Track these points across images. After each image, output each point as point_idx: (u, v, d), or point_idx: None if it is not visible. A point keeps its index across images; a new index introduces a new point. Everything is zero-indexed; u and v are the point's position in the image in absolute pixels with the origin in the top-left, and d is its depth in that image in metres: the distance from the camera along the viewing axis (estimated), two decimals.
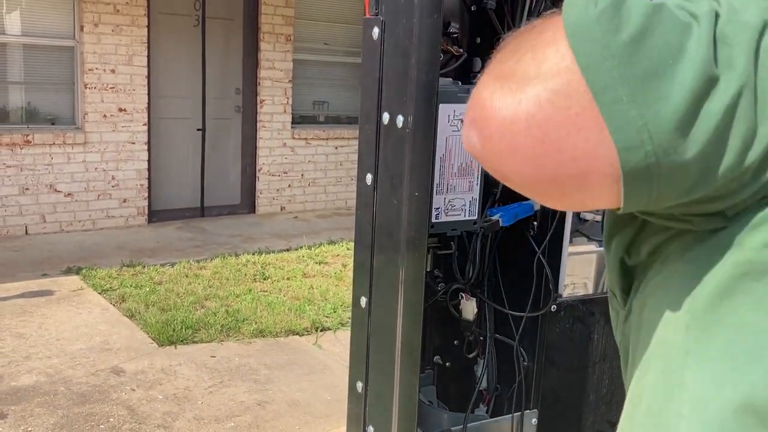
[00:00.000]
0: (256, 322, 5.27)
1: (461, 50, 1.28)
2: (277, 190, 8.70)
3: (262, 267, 6.62)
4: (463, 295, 1.29)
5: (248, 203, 8.62)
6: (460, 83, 1.25)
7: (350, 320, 1.30)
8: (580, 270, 1.53)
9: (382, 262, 1.22)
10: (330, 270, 6.69)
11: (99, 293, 5.69)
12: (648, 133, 0.54)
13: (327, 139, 8.99)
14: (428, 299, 1.34)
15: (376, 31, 1.17)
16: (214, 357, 4.71)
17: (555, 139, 0.56)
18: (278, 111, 8.52)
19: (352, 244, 6.64)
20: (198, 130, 8.13)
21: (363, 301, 1.27)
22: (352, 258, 1.33)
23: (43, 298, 5.52)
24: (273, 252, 7.10)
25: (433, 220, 1.19)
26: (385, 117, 1.16)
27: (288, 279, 6.34)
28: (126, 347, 4.73)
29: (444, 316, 1.37)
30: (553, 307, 1.31)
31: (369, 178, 1.22)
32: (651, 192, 0.57)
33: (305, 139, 8.80)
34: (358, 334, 1.30)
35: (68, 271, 6.17)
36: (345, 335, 5.24)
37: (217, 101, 8.21)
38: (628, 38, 0.54)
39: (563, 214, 1.31)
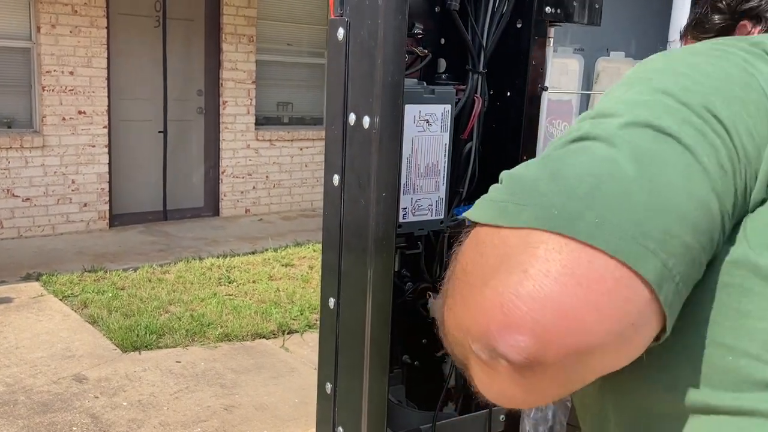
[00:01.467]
0: (221, 326, 5.22)
1: (426, 51, 1.29)
2: (242, 192, 8.64)
3: (227, 270, 6.57)
4: (431, 294, 1.30)
5: (212, 206, 8.54)
6: (425, 84, 1.25)
7: (318, 322, 1.29)
8: None
9: (350, 262, 1.22)
10: (296, 272, 6.66)
11: (60, 300, 5.58)
12: (662, 253, 0.57)
13: (291, 140, 8.95)
14: (396, 299, 1.34)
15: (341, 32, 1.17)
16: (180, 362, 4.66)
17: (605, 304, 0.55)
18: (241, 112, 8.46)
19: (318, 246, 6.63)
20: (160, 132, 8.03)
21: (332, 302, 1.27)
22: (320, 259, 1.33)
23: (1, 306, 5.39)
24: (238, 255, 7.04)
25: (401, 220, 1.19)
26: (352, 118, 1.17)
27: (254, 282, 6.30)
28: (89, 354, 4.65)
29: (412, 316, 1.37)
30: None
31: (336, 178, 1.22)
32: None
33: (269, 140, 8.75)
34: (327, 335, 1.30)
35: (28, 278, 6.04)
36: (312, 337, 5.22)
37: (178, 103, 8.12)
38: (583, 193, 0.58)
39: None
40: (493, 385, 0.60)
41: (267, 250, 7.26)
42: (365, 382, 1.19)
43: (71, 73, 7.13)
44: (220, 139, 8.37)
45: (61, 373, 4.35)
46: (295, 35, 9.14)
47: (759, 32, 1.03)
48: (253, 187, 8.70)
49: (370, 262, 1.15)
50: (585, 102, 1.49)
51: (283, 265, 6.82)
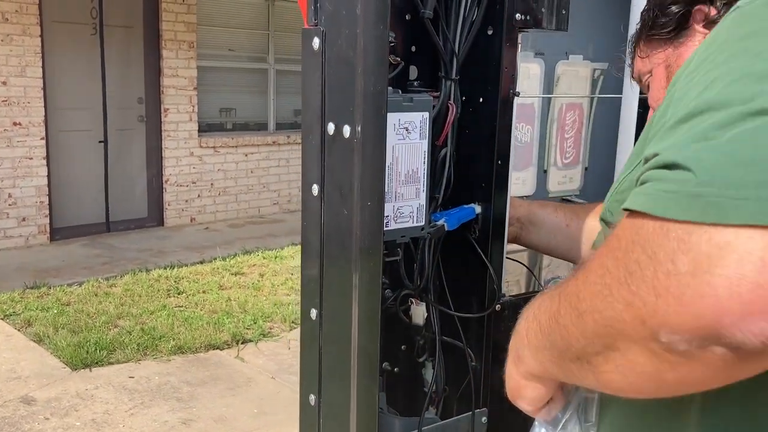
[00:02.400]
0: (173, 339, 5.12)
1: (398, 59, 1.30)
2: (186, 200, 8.48)
3: (175, 281, 6.44)
4: (413, 300, 1.30)
5: (156, 216, 8.36)
6: (400, 91, 1.26)
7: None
8: (511, 269, 1.58)
9: (333, 273, 1.21)
10: (247, 281, 6.58)
11: (1, 319, 5.38)
12: None
13: (236, 146, 8.85)
14: (382, 306, 1.34)
15: (316, 41, 1.17)
16: (133, 377, 4.55)
17: None
18: (184, 119, 8.31)
19: (268, 253, 6.58)
20: (100, 142, 7.82)
21: (314, 313, 1.26)
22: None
23: None
24: (186, 265, 6.91)
25: (384, 228, 1.19)
26: (330, 127, 1.16)
27: (204, 292, 6.19)
28: (36, 374, 4.49)
29: (391, 323, 1.37)
30: (498, 307, 1.34)
31: (315, 188, 1.21)
32: None
33: (213, 147, 8.63)
34: (309, 346, 1.29)
35: None
36: (267, 346, 5.17)
37: (119, 111, 7.93)
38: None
39: (501, 217, 1.35)
40: (668, 374, 0.60)
41: (215, 259, 7.15)
42: (353, 393, 1.18)
43: (4, 83, 6.88)
44: (163, 147, 8.21)
45: (7, 396, 4.19)
46: (236, 41, 9.04)
47: (714, 14, 1.06)
48: (198, 195, 8.56)
49: (355, 271, 1.14)
50: (546, 105, 1.52)
51: (232, 274, 6.73)
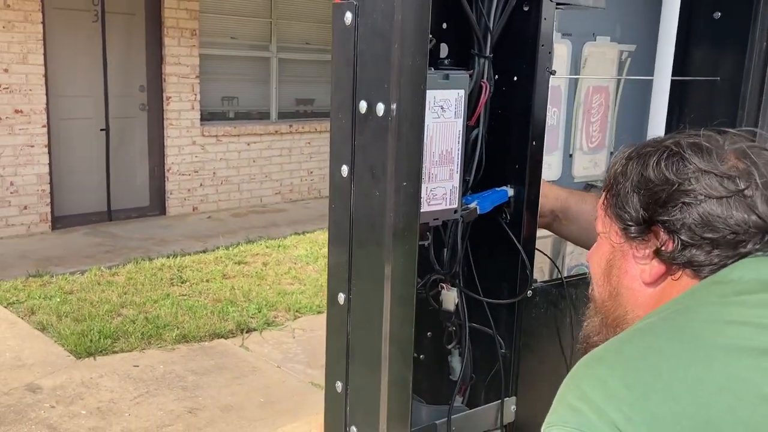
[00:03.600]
0: (178, 328, 5.09)
1: (430, 35, 1.25)
2: (188, 189, 8.44)
3: (178, 270, 6.40)
4: (444, 285, 1.27)
5: (158, 205, 8.31)
6: (432, 69, 1.22)
7: (326, 318, 1.25)
8: (538, 255, 1.53)
9: (362, 256, 1.18)
10: (250, 269, 6.54)
11: (4, 307, 5.34)
12: None
13: (238, 135, 8.79)
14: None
15: (348, 16, 1.13)
16: (137, 366, 4.52)
17: None
18: (186, 108, 8.25)
19: (271, 242, 6.57)
20: (101, 130, 7.76)
21: (341, 297, 1.22)
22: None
23: None
24: (189, 254, 6.87)
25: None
26: (363, 105, 1.12)
27: (207, 281, 6.15)
28: (41, 362, 4.46)
29: (417, 309, 1.34)
30: (529, 293, 1.30)
31: (345, 169, 1.17)
32: None
33: (215, 136, 8.57)
34: (336, 332, 1.25)
35: None
36: (272, 335, 5.14)
37: (120, 99, 7.86)
38: None
39: (535, 200, 1.31)
40: None
41: (218, 248, 7.11)
42: (384, 379, 1.15)
43: (6, 70, 6.82)
44: (165, 135, 8.15)
45: (12, 384, 4.16)
46: (239, 28, 8.97)
47: (669, 251, 0.90)
48: (201, 185, 8.51)
49: (388, 255, 1.11)
50: (573, 88, 1.47)
51: (236, 263, 6.69)
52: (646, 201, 0.90)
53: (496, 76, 1.30)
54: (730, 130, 0.96)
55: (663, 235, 0.89)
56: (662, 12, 1.50)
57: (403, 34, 1.03)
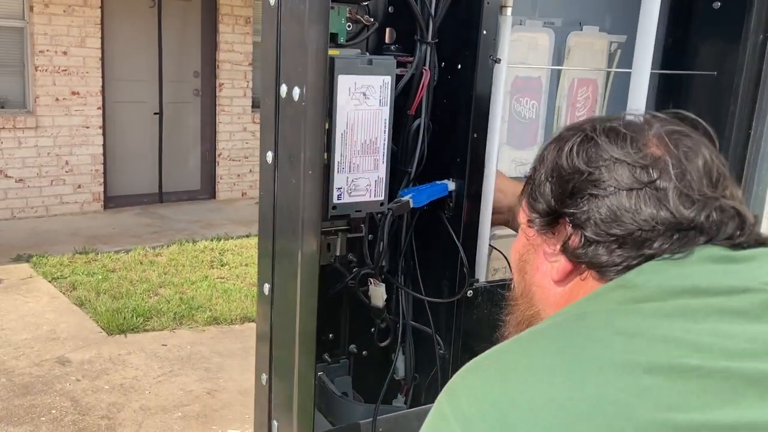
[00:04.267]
0: (210, 310, 5.16)
1: (371, 19, 1.20)
2: (238, 175, 8.56)
3: (219, 253, 6.50)
4: (372, 280, 1.22)
5: (208, 189, 8.47)
6: (368, 54, 1.17)
7: (257, 309, 1.22)
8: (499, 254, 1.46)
9: (283, 246, 1.14)
10: None
11: (49, 281, 5.53)
12: None
13: None
14: (337, 285, 1.26)
15: None
16: (165, 345, 4.61)
17: None
18: (238, 95, 8.36)
19: None
20: (155, 114, 7.94)
21: (266, 288, 1.19)
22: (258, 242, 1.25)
23: None
24: (232, 238, 6.97)
25: (335, 201, 1.11)
26: (283, 89, 1.08)
27: (246, 265, 6.23)
28: (73, 336, 4.60)
29: (359, 303, 1.29)
30: (469, 293, 1.24)
31: (269, 156, 1.14)
32: None
33: None
34: (262, 322, 1.22)
35: (18, 259, 5.99)
36: None
37: (174, 84, 8.03)
38: None
39: (476, 195, 1.24)
40: None
41: None
42: (295, 375, 1.11)
43: (65, 53, 7.04)
44: (217, 121, 8.28)
45: (44, 356, 4.30)
46: None
47: (576, 246, 0.82)
48: (250, 170, 8.62)
49: (299, 246, 1.07)
50: (555, 79, 1.38)
51: None
52: (557, 191, 0.82)
53: (442, 64, 1.23)
54: (686, 114, 0.86)
55: (569, 230, 0.81)
56: (642, 2, 1.40)
57: (310, 14, 0.98)
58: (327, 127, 1.06)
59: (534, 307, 0.91)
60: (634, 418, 0.64)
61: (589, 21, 1.66)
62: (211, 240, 6.85)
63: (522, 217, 0.91)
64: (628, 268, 0.78)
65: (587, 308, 0.78)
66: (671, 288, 0.72)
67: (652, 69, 1.60)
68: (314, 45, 0.97)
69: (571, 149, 0.82)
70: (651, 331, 0.71)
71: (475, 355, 0.84)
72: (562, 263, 0.84)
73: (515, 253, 0.94)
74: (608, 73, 1.71)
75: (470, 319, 1.27)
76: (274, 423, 1.21)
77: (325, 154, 1.08)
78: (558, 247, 0.84)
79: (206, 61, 8.18)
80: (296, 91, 1.04)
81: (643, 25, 1.42)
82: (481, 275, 1.27)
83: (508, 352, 0.78)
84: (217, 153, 8.36)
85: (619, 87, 1.72)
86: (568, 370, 0.70)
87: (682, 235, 0.75)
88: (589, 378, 0.68)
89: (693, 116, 0.90)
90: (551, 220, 0.84)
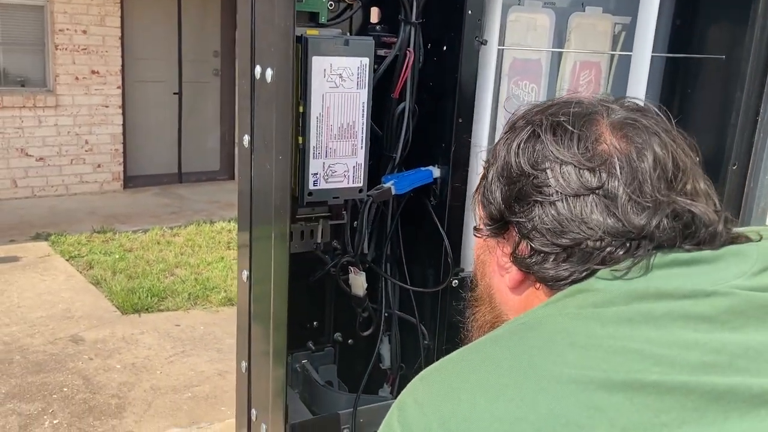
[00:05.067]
0: (225, 291, 5.17)
1: None
2: None
3: (236, 234, 6.52)
4: (352, 268, 1.18)
5: (228, 170, 8.48)
6: (348, 34, 1.12)
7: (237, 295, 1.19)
8: None
9: (259, 231, 1.11)
10: None
11: (66, 260, 5.58)
12: None
13: None
14: (318, 273, 1.23)
15: None
16: (179, 326, 4.63)
17: None
18: None
19: None
20: (174, 93, 7.95)
21: (245, 275, 1.16)
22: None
23: (7, 265, 5.41)
24: None
25: (311, 187, 1.07)
26: (257, 71, 1.05)
27: None
28: (88, 315, 4.64)
29: (344, 291, 1.26)
30: (455, 282, 1.20)
31: (246, 139, 1.11)
32: None
33: None
34: (242, 310, 1.20)
35: (37, 237, 6.06)
36: None
37: (194, 64, 8.02)
38: None
39: (465, 183, 1.20)
40: None
41: None
42: (270, 365, 1.08)
43: (84, 32, 7.06)
44: (236, 102, 8.27)
45: (59, 334, 4.35)
46: None
47: (524, 254, 0.77)
48: None
49: (272, 232, 1.04)
50: (556, 61, 1.33)
51: None
52: (506, 193, 0.75)
53: (429, 45, 1.19)
54: (636, 100, 0.80)
55: (516, 237, 0.75)
56: None
57: None
58: (301, 110, 1.03)
59: (495, 310, 0.85)
60: None
61: (592, 2, 1.60)
62: (229, 221, 6.86)
63: (477, 217, 0.86)
64: (576, 282, 0.72)
65: (541, 314, 0.73)
66: (634, 291, 0.66)
67: (658, 52, 1.54)
68: (282, 23, 0.94)
69: (518, 146, 0.75)
70: (609, 342, 0.65)
71: (460, 347, 0.80)
72: (514, 272, 0.78)
73: (475, 252, 0.89)
74: (612, 56, 1.65)
75: (456, 308, 1.23)
76: (254, 412, 1.19)
77: (300, 139, 1.04)
78: (509, 254, 0.78)
79: (226, 41, 8.15)
80: (269, 72, 1.01)
81: (644, 6, 1.36)
82: (467, 265, 1.23)
83: (459, 364, 0.72)
84: (237, 134, 8.36)
85: (624, 70, 1.66)
86: (519, 388, 0.64)
87: (634, 245, 0.69)
88: (541, 396, 0.63)
89: (648, 103, 0.82)
90: (501, 225, 0.78)
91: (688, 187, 0.70)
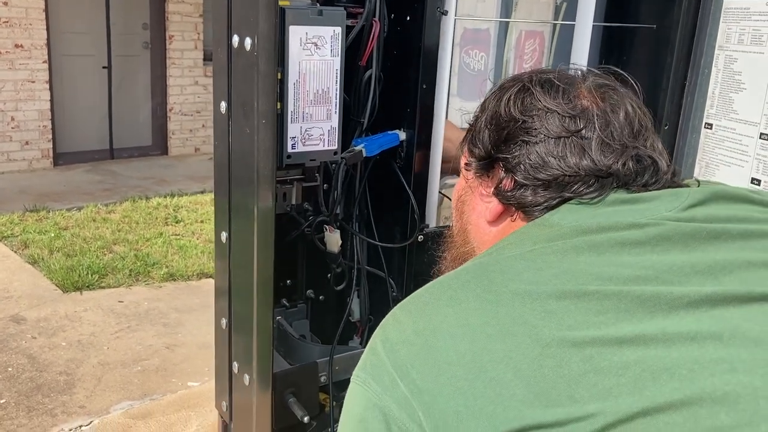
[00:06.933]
0: (166, 266, 5.15)
1: None
2: (190, 130, 8.44)
3: (174, 210, 6.46)
4: (327, 227, 1.26)
5: (160, 144, 8.35)
6: (318, 4, 1.19)
7: (214, 256, 1.25)
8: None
9: (239, 194, 1.18)
10: None
11: None
12: None
13: None
14: (293, 233, 1.31)
15: None
16: (122, 302, 4.60)
17: None
18: (189, 47, 8.20)
19: None
20: (104, 67, 7.75)
21: (223, 236, 1.23)
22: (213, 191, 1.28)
23: None
24: (186, 194, 6.92)
25: (289, 150, 1.14)
26: (235, 40, 1.10)
27: (201, 222, 6.21)
28: (28, 295, 4.56)
29: (316, 249, 1.34)
30: (420, 237, 1.30)
31: (223, 106, 1.16)
32: None
33: None
34: (221, 269, 1.26)
35: None
36: None
37: (123, 37, 7.82)
38: None
39: (426, 145, 1.29)
40: None
41: None
42: (254, 319, 1.16)
43: (5, 3, 6.79)
44: (167, 75, 8.12)
45: None
46: None
47: (507, 188, 0.89)
48: (203, 126, 8.51)
49: (255, 195, 1.10)
50: (503, 31, 1.41)
51: None
52: (494, 137, 0.89)
53: (392, 15, 1.27)
54: (619, 71, 0.94)
55: (501, 173, 0.88)
56: None
57: None
58: (279, 77, 1.09)
59: (469, 245, 0.99)
60: (539, 336, 0.72)
61: None
62: (165, 197, 6.79)
63: (462, 161, 0.98)
64: (549, 208, 0.85)
65: (503, 245, 0.85)
66: (581, 227, 0.79)
67: (595, 22, 1.66)
68: None
69: (509, 98, 0.90)
70: (558, 264, 0.78)
71: None
72: (495, 205, 0.91)
73: (455, 194, 1.01)
74: (555, 26, 1.76)
75: (421, 262, 1.33)
76: (235, 364, 1.26)
77: (278, 104, 1.11)
78: (492, 189, 0.91)
79: (155, 13, 7.97)
80: (248, 41, 1.07)
81: None
82: (432, 221, 1.33)
83: (431, 290, 0.84)
84: (168, 108, 8.23)
85: (566, 39, 1.77)
86: (483, 300, 0.76)
87: (600, 182, 0.82)
88: (501, 305, 0.75)
89: (622, 72, 0.98)
90: (487, 164, 0.91)
91: (649, 142, 0.84)
